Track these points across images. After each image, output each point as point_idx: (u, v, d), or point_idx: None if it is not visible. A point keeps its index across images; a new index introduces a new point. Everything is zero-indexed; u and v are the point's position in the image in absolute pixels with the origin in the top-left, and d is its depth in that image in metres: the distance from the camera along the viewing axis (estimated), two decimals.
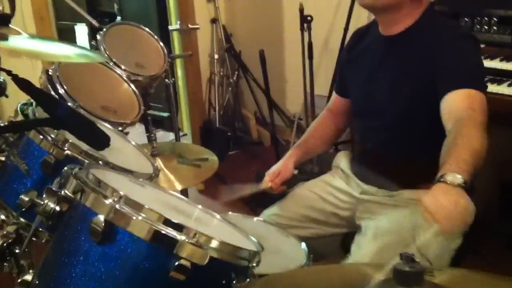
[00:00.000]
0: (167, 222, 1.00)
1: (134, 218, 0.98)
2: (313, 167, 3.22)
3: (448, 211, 1.14)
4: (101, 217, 0.98)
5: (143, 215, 1.00)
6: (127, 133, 1.72)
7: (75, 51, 1.22)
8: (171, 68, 3.73)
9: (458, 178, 1.19)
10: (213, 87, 4.13)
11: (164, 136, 4.39)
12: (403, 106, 1.64)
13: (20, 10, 3.06)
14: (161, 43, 2.10)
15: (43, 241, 1.29)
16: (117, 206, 0.99)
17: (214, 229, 1.21)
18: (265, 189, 1.85)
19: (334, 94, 1.99)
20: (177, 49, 4.06)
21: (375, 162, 1.75)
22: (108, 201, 1.00)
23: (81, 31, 4.95)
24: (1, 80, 1.40)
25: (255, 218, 1.67)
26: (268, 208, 1.90)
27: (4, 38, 1.16)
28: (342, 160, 1.92)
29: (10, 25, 1.22)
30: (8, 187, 1.36)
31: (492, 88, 2.29)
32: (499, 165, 2.43)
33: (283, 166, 1.91)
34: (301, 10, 3.00)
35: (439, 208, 1.14)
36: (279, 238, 1.63)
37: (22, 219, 1.28)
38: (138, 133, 2.13)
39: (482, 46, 2.52)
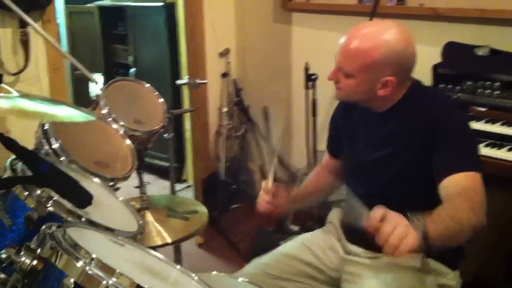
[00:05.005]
0: None
1: (104, 282, 0.98)
2: (313, 224, 3.21)
3: (393, 233, 1.23)
4: (71, 280, 0.98)
5: (114, 279, 1.00)
6: (118, 188, 1.73)
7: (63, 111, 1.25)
8: (177, 122, 3.80)
9: (423, 231, 1.26)
10: (221, 140, 4.16)
11: (168, 187, 4.41)
12: (392, 175, 1.66)
13: (35, 60, 3.16)
14: (161, 99, 2.14)
15: None
16: (87, 269, 0.99)
17: None
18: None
19: (326, 152, 2.01)
20: (186, 102, 4.13)
21: None
22: (80, 264, 1.00)
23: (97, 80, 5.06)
24: None
25: (240, 279, 1.65)
26: (259, 257, 1.89)
27: None
28: (335, 216, 1.93)
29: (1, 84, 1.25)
30: None
31: (491, 152, 2.28)
32: (501, 229, 2.40)
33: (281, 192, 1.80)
34: (306, 69, 3.06)
35: (387, 226, 1.24)
36: None
37: (2, 275, 1.28)
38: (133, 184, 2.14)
39: (483, 109, 2.53)
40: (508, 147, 2.28)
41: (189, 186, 4.25)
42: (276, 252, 1.89)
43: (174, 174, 4.51)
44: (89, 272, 0.99)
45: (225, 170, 4.06)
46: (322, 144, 3.25)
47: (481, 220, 1.37)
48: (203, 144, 4.01)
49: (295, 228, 3.33)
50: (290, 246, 1.90)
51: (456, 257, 1.72)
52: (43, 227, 1.12)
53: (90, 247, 1.05)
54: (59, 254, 1.03)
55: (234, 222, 3.74)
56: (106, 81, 4.99)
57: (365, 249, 1.74)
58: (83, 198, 1.22)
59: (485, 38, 2.69)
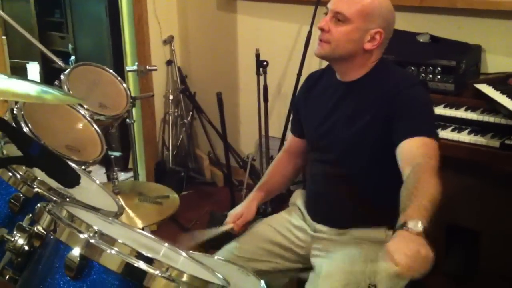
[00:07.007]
0: (140, 256, 1.04)
1: (108, 251, 1.02)
2: (266, 207, 3.29)
3: (410, 260, 1.21)
4: (77, 252, 1.01)
5: (116, 249, 1.04)
6: (89, 172, 1.74)
7: (53, 93, 1.25)
8: None
9: (419, 226, 1.28)
10: (167, 127, 4.17)
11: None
12: (357, 146, 1.74)
13: None
14: (124, 84, 2.15)
15: (6, 278, 1.28)
16: (91, 240, 1.02)
17: (182, 265, 1.25)
18: (227, 231, 1.89)
19: (290, 135, 2.07)
20: (132, 89, 4.09)
21: (326, 201, 1.84)
22: (83, 236, 1.03)
23: (33, 69, 4.94)
24: None
25: (216, 257, 1.71)
26: (228, 244, 1.93)
27: None
28: (298, 198, 2.00)
29: None
30: None
31: None
32: (444, 207, 2.57)
33: (246, 208, 1.95)
34: (257, 55, 3.12)
35: (402, 256, 1.21)
36: (239, 277, 1.66)
37: None
38: (96, 171, 2.15)
39: None
40: (451, 127, 2.44)
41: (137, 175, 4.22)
42: (245, 236, 1.94)
43: (119, 163, 4.49)
44: (94, 243, 1.02)
45: (172, 158, 4.08)
46: (273, 130, 3.36)
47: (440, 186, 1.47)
48: (153, 131, 4.01)
49: None
50: (258, 229, 1.95)
51: None
52: (38, 205, 1.13)
53: (89, 222, 1.08)
54: (60, 228, 1.06)
55: (185, 208, 3.76)
56: (42, 70, 4.91)
57: (331, 228, 1.81)
58: (72, 178, 1.24)
59: (424, 25, 2.86)
